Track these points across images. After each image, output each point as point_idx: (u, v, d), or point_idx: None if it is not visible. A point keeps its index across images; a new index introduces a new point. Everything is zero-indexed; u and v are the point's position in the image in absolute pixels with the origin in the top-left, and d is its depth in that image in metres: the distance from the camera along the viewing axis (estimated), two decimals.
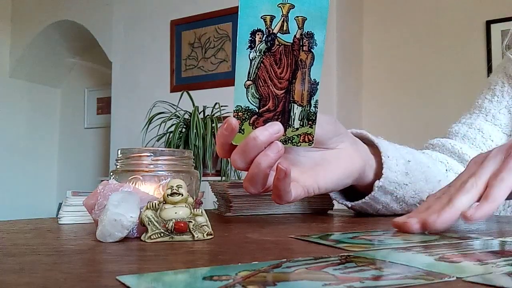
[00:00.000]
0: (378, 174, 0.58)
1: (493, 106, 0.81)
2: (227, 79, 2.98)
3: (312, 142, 0.48)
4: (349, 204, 0.61)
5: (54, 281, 0.25)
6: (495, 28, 2.80)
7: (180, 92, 2.89)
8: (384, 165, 0.57)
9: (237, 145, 0.46)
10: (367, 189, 0.59)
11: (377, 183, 0.57)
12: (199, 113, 2.70)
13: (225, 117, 2.71)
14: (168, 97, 3.05)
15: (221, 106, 2.72)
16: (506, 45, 0.87)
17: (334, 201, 0.68)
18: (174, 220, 0.40)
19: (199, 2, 3.18)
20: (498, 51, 2.73)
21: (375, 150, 0.59)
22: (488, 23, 2.83)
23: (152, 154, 0.55)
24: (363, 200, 0.59)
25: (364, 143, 0.60)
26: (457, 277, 0.24)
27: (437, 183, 0.64)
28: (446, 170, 0.70)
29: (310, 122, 0.47)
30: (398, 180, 0.59)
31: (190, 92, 2.87)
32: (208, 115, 2.75)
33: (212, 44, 3.15)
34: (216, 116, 2.70)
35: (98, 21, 3.57)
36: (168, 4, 3.30)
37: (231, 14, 3.01)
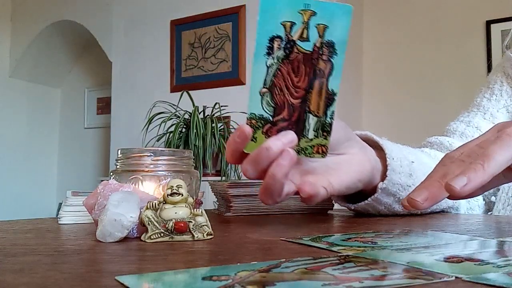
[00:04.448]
0: (383, 176, 0.58)
1: (491, 104, 0.81)
2: (227, 79, 2.97)
3: (326, 154, 0.46)
4: (352, 206, 0.61)
5: (54, 281, 0.25)
6: (495, 28, 2.80)
7: (180, 92, 2.88)
8: (389, 167, 0.57)
9: (248, 153, 0.45)
10: (369, 190, 0.59)
11: (380, 185, 0.57)
12: (199, 113, 2.70)
13: (225, 117, 2.72)
14: (168, 97, 3.05)
15: (221, 106, 2.72)
16: (506, 44, 0.87)
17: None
18: (174, 220, 0.40)
19: (199, 2, 3.18)
20: (498, 51, 2.73)
21: (379, 151, 0.59)
22: (488, 23, 2.83)
23: (152, 154, 0.55)
24: (366, 201, 0.59)
25: (368, 144, 0.59)
26: (456, 277, 0.24)
27: None
28: None
29: (325, 133, 0.45)
30: (402, 182, 0.59)
31: (190, 92, 2.87)
32: (208, 115, 2.75)
33: (212, 44, 3.15)
34: (216, 116, 2.70)
35: (98, 21, 3.57)
36: (168, 4, 3.30)
37: (231, 14, 3.01)
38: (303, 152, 0.46)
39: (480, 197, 0.73)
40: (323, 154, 0.46)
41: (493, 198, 0.73)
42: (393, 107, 3.04)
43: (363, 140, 0.59)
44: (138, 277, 0.26)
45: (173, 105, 2.82)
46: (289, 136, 0.44)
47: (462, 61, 2.87)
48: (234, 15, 2.98)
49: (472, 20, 2.87)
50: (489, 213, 0.73)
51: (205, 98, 2.90)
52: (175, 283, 0.25)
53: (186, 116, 2.72)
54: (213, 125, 2.63)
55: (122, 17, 3.47)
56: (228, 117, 2.80)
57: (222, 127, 2.70)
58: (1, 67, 3.94)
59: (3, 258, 0.33)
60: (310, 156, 0.46)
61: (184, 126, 2.70)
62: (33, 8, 3.88)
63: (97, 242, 0.39)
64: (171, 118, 2.74)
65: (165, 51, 3.29)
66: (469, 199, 0.72)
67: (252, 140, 0.44)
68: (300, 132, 0.45)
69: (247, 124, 0.44)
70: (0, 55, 3.93)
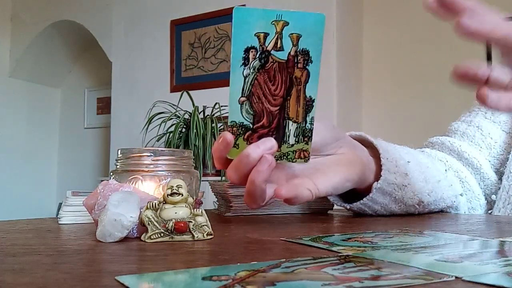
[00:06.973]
0: (378, 176, 0.58)
1: None
2: (227, 79, 2.95)
3: (308, 159, 0.48)
4: (348, 205, 0.61)
5: (54, 281, 0.25)
6: None
7: (180, 92, 2.89)
8: (383, 167, 0.57)
9: (232, 159, 0.46)
10: (366, 190, 0.59)
11: (375, 184, 0.57)
12: (199, 113, 2.70)
13: (225, 117, 2.71)
14: (168, 97, 3.05)
15: (221, 106, 2.72)
16: None
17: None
18: (174, 220, 0.40)
19: (199, 2, 3.18)
20: (498, 51, 2.72)
21: (374, 151, 0.59)
22: None
23: (152, 154, 0.55)
24: (362, 201, 0.59)
25: (363, 145, 0.60)
26: (456, 277, 0.24)
27: (437, 183, 0.64)
28: (446, 170, 0.70)
29: (305, 139, 0.47)
30: (397, 181, 0.59)
31: (190, 92, 2.87)
32: (208, 115, 2.75)
33: (212, 44, 3.15)
34: (216, 116, 2.70)
35: (98, 21, 3.57)
36: (168, 4, 3.30)
37: (231, 14, 3.00)
38: (285, 157, 0.47)
39: (482, 196, 0.73)
40: (305, 159, 0.48)
41: (493, 197, 0.73)
42: (393, 107, 3.04)
43: (358, 141, 0.59)
44: (138, 277, 0.26)
45: (173, 105, 2.82)
46: (268, 143, 0.45)
47: (462, 61, 2.86)
48: None
49: None
50: (489, 211, 0.73)
51: (205, 98, 2.90)
52: (175, 283, 0.25)
53: (186, 116, 2.72)
54: (213, 125, 2.63)
55: (122, 17, 3.47)
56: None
57: (222, 127, 2.70)
58: (1, 67, 3.93)
59: (3, 258, 0.33)
60: (292, 161, 0.48)
61: (184, 126, 2.70)
62: (33, 8, 3.88)
63: (97, 242, 0.39)
64: (171, 118, 2.74)
65: (165, 51, 3.29)
66: (470, 199, 0.72)
67: (234, 146, 0.45)
68: (281, 138, 0.46)
69: (228, 131, 0.45)
70: (0, 55, 3.93)
